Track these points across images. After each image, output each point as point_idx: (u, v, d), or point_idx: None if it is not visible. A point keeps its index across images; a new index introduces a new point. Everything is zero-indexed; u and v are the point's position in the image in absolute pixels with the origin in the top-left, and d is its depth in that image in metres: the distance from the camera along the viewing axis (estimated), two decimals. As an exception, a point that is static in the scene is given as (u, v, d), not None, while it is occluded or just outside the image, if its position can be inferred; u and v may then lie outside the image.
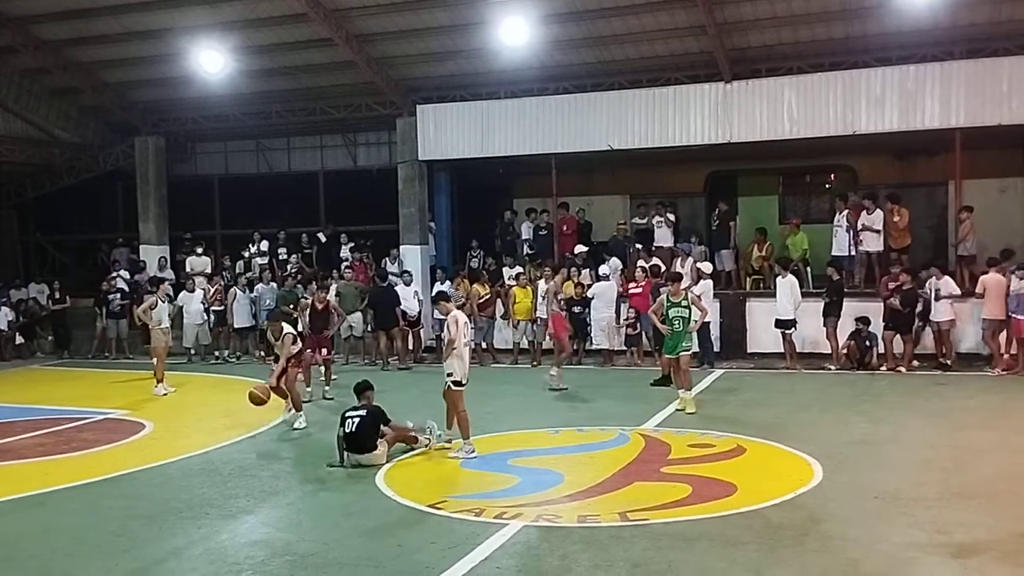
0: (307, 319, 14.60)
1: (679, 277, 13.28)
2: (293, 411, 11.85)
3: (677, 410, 11.99)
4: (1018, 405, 12.29)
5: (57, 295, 20.78)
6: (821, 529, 7.19)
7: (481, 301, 17.33)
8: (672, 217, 18.68)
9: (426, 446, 10.19)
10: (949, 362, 14.98)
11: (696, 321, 12.58)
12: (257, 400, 11.32)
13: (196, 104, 21.11)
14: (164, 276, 19.55)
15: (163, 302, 15.63)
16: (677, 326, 12.29)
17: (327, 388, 13.98)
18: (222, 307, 18.79)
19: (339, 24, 17.65)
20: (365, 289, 18.23)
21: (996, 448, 9.75)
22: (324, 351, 14.18)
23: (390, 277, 18.32)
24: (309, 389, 13.71)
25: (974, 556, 6.51)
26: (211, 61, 18.19)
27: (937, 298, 15.02)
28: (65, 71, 20.34)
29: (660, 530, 7.24)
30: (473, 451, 9.87)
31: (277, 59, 19.20)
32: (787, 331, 15.61)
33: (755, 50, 17.25)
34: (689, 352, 12.48)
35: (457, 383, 10.01)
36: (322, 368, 14.40)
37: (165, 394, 14.71)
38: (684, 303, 12.38)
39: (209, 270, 20.44)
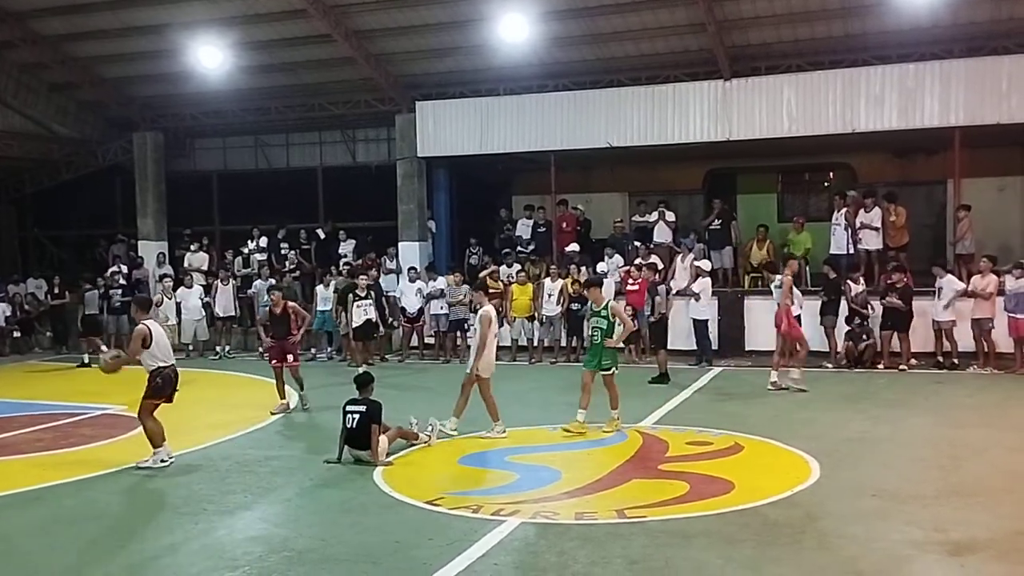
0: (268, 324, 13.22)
1: (599, 282, 11.64)
2: (159, 448, 9.70)
3: (603, 431, 10.60)
4: (1016, 403, 12.30)
5: (56, 290, 20.77)
6: (818, 527, 7.19)
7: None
8: (672, 217, 18.69)
9: (426, 443, 10.19)
10: (955, 360, 14.94)
11: (618, 335, 10.81)
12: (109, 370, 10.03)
13: (195, 100, 21.10)
14: (165, 272, 19.61)
15: (168, 299, 15.65)
16: (595, 338, 10.80)
17: (303, 393, 12.61)
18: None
19: (338, 20, 17.63)
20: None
21: (994, 446, 9.76)
22: (291, 358, 12.61)
23: (390, 274, 18.37)
24: (284, 401, 12.55)
25: (971, 554, 6.51)
26: (210, 57, 18.19)
27: (941, 297, 15.01)
28: (63, 66, 20.32)
29: (657, 527, 7.23)
30: (504, 432, 10.48)
31: (276, 55, 19.19)
32: None
33: (754, 48, 17.25)
34: (610, 372, 10.72)
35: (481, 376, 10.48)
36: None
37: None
38: (604, 313, 10.76)
39: (206, 267, 20.44)
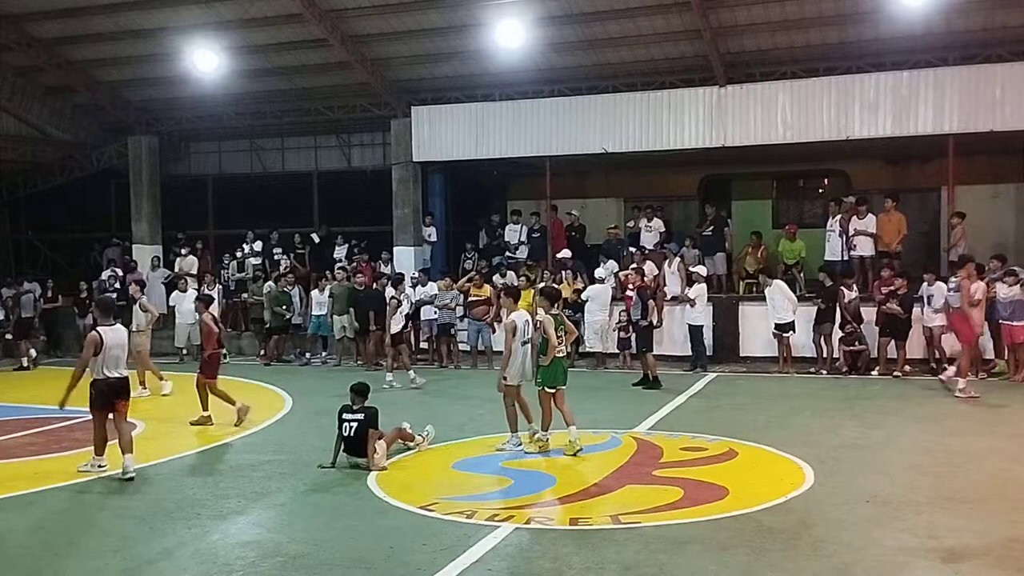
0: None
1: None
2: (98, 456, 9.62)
3: (525, 451, 10.06)
4: (1010, 410, 12.30)
5: (50, 294, 20.70)
6: (812, 533, 7.20)
7: (471, 300, 17.33)
8: (660, 223, 18.68)
9: (418, 445, 10.21)
10: (946, 366, 14.97)
11: (549, 351, 10.09)
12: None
13: (190, 103, 21.10)
14: (159, 276, 19.56)
15: (136, 300, 15.46)
16: (538, 346, 10.18)
17: (207, 414, 11.84)
18: None
19: (334, 25, 17.63)
20: (353, 291, 18.20)
21: (988, 453, 9.77)
22: (201, 374, 11.90)
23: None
24: (238, 405, 11.95)
25: (965, 561, 6.52)
26: (205, 61, 18.18)
27: (930, 304, 15.04)
28: (59, 69, 20.28)
29: (652, 533, 7.23)
30: (520, 444, 10.12)
31: (272, 59, 19.20)
32: (785, 334, 15.62)
33: (750, 54, 17.29)
34: (541, 387, 10.16)
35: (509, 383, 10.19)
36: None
37: (167, 394, 14.64)
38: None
39: (195, 271, 20.38)
